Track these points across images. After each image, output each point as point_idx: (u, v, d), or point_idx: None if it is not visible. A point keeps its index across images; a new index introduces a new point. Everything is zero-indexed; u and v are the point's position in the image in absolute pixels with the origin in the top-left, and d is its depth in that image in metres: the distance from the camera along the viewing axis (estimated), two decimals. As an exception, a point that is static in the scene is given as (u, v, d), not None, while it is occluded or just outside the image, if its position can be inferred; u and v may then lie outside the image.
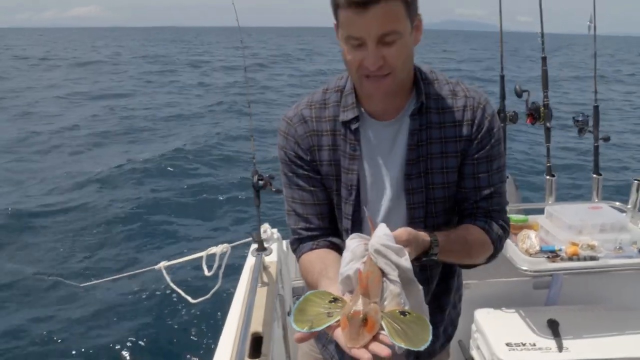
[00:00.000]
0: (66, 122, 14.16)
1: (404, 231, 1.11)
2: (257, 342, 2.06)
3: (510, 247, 2.24)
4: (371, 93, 1.25)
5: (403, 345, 0.92)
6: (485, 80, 20.37)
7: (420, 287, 1.06)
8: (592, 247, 2.16)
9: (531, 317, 2.30)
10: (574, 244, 2.18)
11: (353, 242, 1.10)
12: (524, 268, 2.14)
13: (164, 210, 7.66)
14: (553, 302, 2.50)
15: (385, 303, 1.00)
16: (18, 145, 11.51)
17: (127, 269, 4.94)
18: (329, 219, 1.41)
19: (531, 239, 2.23)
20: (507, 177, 2.63)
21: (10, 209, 7.47)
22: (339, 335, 0.95)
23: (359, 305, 0.97)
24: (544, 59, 2.64)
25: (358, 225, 1.37)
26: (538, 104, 2.57)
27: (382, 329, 0.95)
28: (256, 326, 2.16)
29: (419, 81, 1.31)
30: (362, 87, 1.25)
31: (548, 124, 2.58)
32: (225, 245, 2.74)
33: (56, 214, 7.45)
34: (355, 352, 0.92)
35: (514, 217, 2.45)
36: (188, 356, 4.37)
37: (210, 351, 1.99)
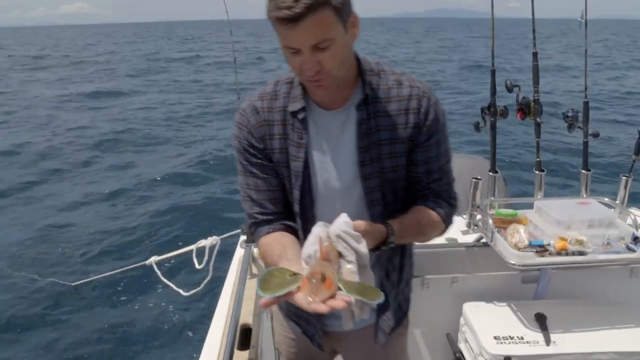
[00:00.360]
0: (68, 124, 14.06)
1: (362, 222, 1.22)
2: (246, 334, 2.06)
3: (499, 241, 2.24)
4: (314, 92, 1.37)
5: (359, 298, 1.03)
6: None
7: (372, 273, 1.19)
8: (580, 243, 2.17)
9: (519, 311, 2.31)
10: (562, 239, 2.19)
11: (317, 228, 1.19)
12: (513, 262, 2.15)
13: (152, 204, 7.62)
14: (541, 296, 2.52)
15: (342, 276, 1.11)
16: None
17: (117, 266, 4.92)
18: (282, 204, 1.49)
19: (520, 233, 2.24)
20: (497, 172, 2.65)
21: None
22: (299, 297, 1.05)
23: (318, 267, 1.08)
24: (534, 54, 2.64)
25: (307, 209, 1.47)
26: (528, 99, 2.58)
27: (339, 289, 1.06)
28: (245, 318, 2.16)
29: (364, 72, 1.39)
30: (306, 87, 1.37)
31: (538, 119, 2.58)
32: (215, 237, 2.75)
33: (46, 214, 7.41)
34: (314, 306, 1.02)
35: (503, 211, 2.47)
36: (180, 348, 4.38)
37: (201, 343, 1.99)
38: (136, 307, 5.00)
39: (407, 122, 1.39)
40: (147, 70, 26.88)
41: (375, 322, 1.65)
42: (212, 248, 2.73)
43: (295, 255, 1.26)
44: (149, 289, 5.08)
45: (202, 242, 2.77)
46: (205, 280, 2.70)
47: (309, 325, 1.68)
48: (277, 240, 1.42)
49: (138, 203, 7.76)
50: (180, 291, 2.79)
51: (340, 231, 1.14)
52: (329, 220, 1.20)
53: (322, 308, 1.02)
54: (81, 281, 3.47)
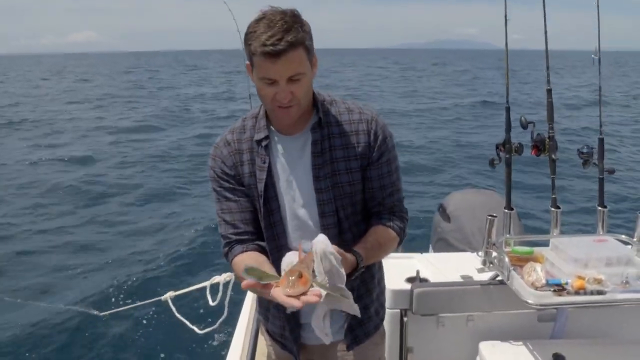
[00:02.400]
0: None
1: (339, 250, 1.37)
2: None
3: (516, 280, 2.22)
4: (281, 120, 1.58)
5: (331, 293, 1.24)
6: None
7: (349, 293, 1.34)
8: (599, 282, 2.14)
9: (536, 351, 2.27)
10: (580, 277, 2.16)
11: (289, 255, 1.43)
12: (530, 302, 2.12)
13: (168, 238, 7.62)
14: (559, 336, 2.48)
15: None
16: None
17: (132, 300, 4.89)
18: (254, 225, 1.68)
19: (537, 272, 2.21)
20: (513, 209, 2.63)
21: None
22: (277, 290, 1.25)
23: (297, 267, 1.27)
24: (549, 91, 2.64)
25: (271, 228, 1.67)
26: (543, 136, 2.58)
27: (312, 286, 1.24)
28: (260, 357, 2.14)
29: (317, 102, 1.64)
30: (275, 115, 1.58)
31: (553, 156, 2.57)
32: (229, 274, 2.74)
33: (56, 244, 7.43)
34: (290, 300, 1.21)
35: (519, 249, 2.44)
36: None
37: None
38: (151, 342, 4.93)
39: (358, 142, 1.63)
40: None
41: (349, 328, 1.76)
42: (226, 284, 2.72)
43: (270, 270, 1.45)
44: (164, 324, 5.00)
45: (217, 279, 2.76)
46: (221, 319, 2.68)
47: (286, 341, 1.82)
48: (251, 257, 1.59)
49: (155, 238, 7.76)
50: (195, 328, 2.77)
51: (328, 250, 1.29)
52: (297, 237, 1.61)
53: (297, 303, 1.21)
54: (108, 311, 3.43)
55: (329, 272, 1.28)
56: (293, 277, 1.23)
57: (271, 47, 1.40)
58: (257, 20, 1.45)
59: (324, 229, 1.60)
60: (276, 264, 1.58)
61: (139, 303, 3.28)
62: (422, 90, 32.93)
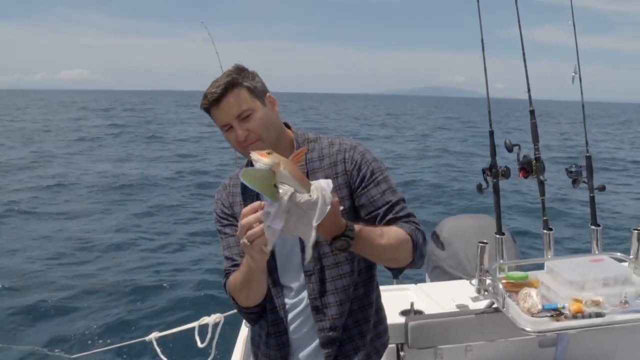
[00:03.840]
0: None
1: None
2: None
3: (512, 307, 2.15)
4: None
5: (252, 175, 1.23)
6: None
7: (314, 233, 1.29)
8: (597, 303, 2.07)
9: None
10: (577, 300, 2.10)
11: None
12: (528, 329, 2.05)
13: (154, 275, 7.49)
14: (561, 360, 2.41)
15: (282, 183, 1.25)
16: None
17: (115, 339, 4.73)
18: None
19: (532, 297, 2.14)
20: (504, 234, 2.58)
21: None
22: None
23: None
24: (532, 112, 2.62)
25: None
26: (530, 158, 2.54)
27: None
28: None
29: (296, 139, 1.74)
30: (249, 159, 1.57)
31: (541, 177, 2.53)
32: (218, 315, 2.67)
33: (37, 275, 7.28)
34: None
35: (513, 274, 2.38)
36: None
37: None
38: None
39: (337, 172, 1.68)
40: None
41: None
42: (215, 326, 2.65)
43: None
44: None
45: (205, 319, 2.69)
46: None
47: None
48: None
49: (137, 273, 7.61)
50: None
51: (323, 187, 1.30)
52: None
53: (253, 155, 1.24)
54: (81, 354, 3.31)
55: (309, 203, 1.26)
56: (265, 151, 1.26)
57: (211, 96, 1.59)
58: (206, 91, 1.63)
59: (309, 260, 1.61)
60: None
61: (122, 344, 3.19)
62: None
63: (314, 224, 1.27)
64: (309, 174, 1.68)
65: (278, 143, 1.67)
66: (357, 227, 1.46)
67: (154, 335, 2.81)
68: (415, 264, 1.66)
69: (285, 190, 1.23)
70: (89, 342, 5.42)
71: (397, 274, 1.79)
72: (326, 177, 1.62)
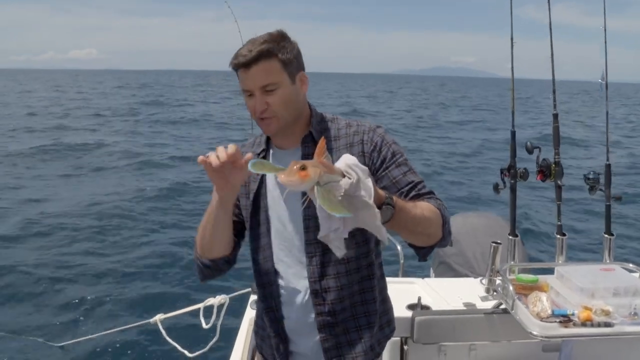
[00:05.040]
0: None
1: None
2: None
3: (521, 310, 2.15)
4: (264, 132, 1.65)
5: (319, 200, 1.12)
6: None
7: (377, 210, 1.25)
8: (606, 313, 2.07)
9: None
10: (587, 308, 2.09)
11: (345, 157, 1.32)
12: (535, 333, 2.04)
13: (159, 258, 7.44)
14: (564, 367, 2.40)
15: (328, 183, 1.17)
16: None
17: (121, 322, 4.71)
18: (237, 235, 1.74)
19: (543, 302, 2.14)
20: (517, 236, 2.57)
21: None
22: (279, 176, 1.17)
23: (305, 162, 1.15)
24: (555, 115, 2.60)
25: (256, 239, 1.71)
26: (549, 161, 2.52)
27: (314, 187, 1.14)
28: None
29: (313, 118, 1.68)
30: (260, 127, 1.64)
31: (559, 182, 2.52)
32: (223, 296, 2.67)
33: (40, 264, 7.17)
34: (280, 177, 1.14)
35: (523, 277, 2.37)
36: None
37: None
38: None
39: (352, 154, 1.49)
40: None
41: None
42: (220, 307, 2.65)
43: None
44: (152, 349, 4.77)
45: (210, 301, 2.69)
46: (212, 341, 2.60)
47: None
48: None
49: (143, 255, 7.55)
50: (186, 352, 2.69)
51: (352, 163, 1.23)
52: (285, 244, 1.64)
53: (282, 179, 1.14)
54: (73, 340, 3.32)
55: (352, 185, 1.19)
56: (295, 167, 1.13)
57: (242, 58, 1.52)
58: (241, 47, 1.57)
59: (308, 245, 1.62)
60: (259, 275, 1.73)
61: (127, 326, 3.20)
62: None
63: (370, 201, 1.22)
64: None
65: (294, 122, 1.64)
66: (395, 198, 1.40)
67: (158, 317, 2.82)
68: (445, 240, 1.60)
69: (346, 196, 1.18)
70: (94, 323, 5.36)
71: (426, 254, 1.66)
72: (338, 159, 1.56)
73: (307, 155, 1.61)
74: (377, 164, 1.62)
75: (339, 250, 1.26)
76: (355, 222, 1.23)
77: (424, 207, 1.51)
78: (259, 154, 1.72)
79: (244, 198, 1.73)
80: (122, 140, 18.86)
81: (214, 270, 1.73)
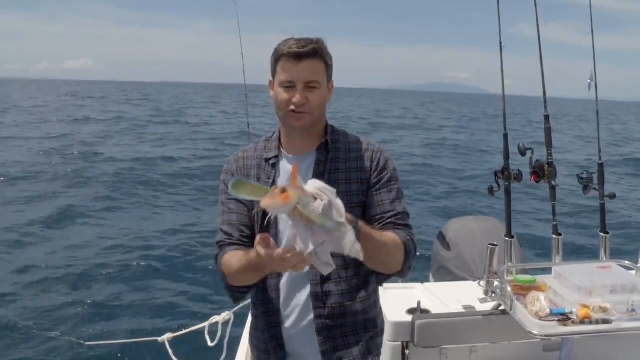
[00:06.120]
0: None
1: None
2: None
3: (519, 310, 2.17)
4: (293, 125, 1.67)
5: (309, 216, 1.17)
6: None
7: (350, 227, 1.27)
8: (604, 310, 2.09)
9: None
10: (585, 306, 2.12)
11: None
12: (535, 332, 2.07)
13: (165, 275, 7.44)
14: (565, 365, 2.42)
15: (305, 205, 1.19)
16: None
17: (127, 335, 4.70)
18: (248, 238, 1.71)
19: (541, 301, 2.17)
20: (513, 237, 2.59)
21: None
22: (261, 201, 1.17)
23: (286, 185, 1.19)
24: (546, 117, 2.63)
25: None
26: (542, 162, 2.55)
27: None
28: None
29: (328, 128, 1.77)
30: (287, 121, 1.68)
31: (553, 182, 2.54)
32: (228, 313, 2.68)
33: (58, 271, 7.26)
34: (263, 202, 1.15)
35: (521, 277, 2.40)
36: None
37: None
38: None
39: (361, 167, 1.72)
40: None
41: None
42: (225, 324, 2.67)
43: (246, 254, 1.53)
44: None
45: (215, 318, 2.71)
46: (220, 359, 2.62)
47: None
48: (241, 250, 1.63)
49: (151, 270, 7.56)
50: None
51: (321, 187, 1.25)
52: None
53: (266, 202, 1.14)
54: (94, 342, 3.34)
55: (325, 207, 1.21)
56: (277, 190, 1.16)
57: (296, 49, 1.58)
58: (287, 39, 1.63)
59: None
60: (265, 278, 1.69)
61: (136, 340, 3.21)
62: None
63: (342, 220, 1.24)
64: (332, 164, 1.71)
65: (315, 126, 1.71)
66: (360, 223, 1.45)
67: (166, 337, 2.83)
68: (403, 273, 1.69)
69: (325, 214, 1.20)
70: (101, 330, 5.38)
71: (382, 281, 1.82)
72: (349, 169, 1.72)
73: (321, 162, 1.71)
74: (373, 181, 1.71)
75: (326, 266, 1.27)
76: (330, 242, 1.25)
77: (389, 239, 1.60)
78: (269, 160, 1.76)
79: (255, 203, 1.71)
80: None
81: (246, 293, 1.76)
